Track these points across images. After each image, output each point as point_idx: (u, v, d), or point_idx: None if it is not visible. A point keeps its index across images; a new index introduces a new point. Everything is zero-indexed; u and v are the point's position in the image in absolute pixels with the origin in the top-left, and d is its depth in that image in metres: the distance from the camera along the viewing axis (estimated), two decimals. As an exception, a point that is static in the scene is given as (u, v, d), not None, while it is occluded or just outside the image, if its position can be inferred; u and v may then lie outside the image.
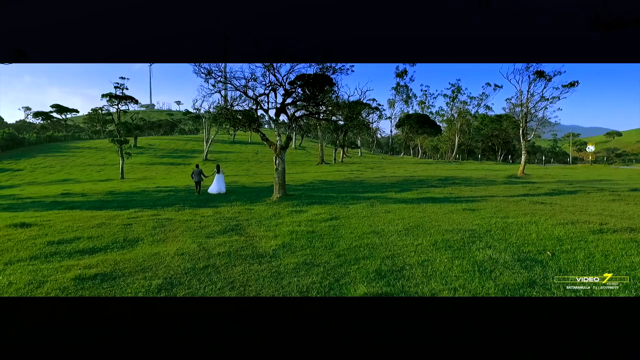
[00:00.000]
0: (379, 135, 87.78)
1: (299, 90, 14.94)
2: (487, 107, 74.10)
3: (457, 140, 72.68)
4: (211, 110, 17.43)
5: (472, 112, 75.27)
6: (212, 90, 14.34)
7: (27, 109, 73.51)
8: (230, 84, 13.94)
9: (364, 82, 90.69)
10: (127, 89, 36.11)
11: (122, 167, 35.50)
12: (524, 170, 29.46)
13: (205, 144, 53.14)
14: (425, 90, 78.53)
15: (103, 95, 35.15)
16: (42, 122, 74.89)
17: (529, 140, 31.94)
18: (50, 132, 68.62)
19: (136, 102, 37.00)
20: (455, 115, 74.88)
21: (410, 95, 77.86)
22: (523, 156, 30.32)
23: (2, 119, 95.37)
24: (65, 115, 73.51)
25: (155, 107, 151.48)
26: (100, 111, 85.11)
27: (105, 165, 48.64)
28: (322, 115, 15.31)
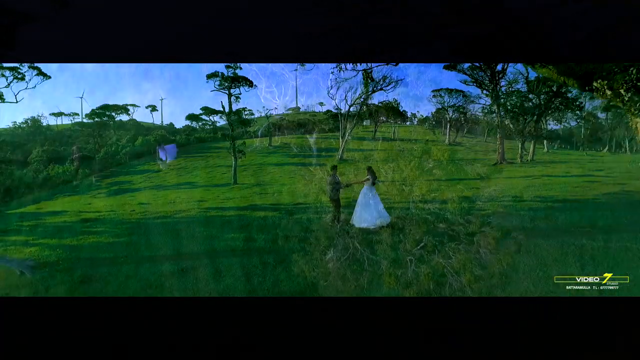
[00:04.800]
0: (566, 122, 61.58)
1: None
2: None
3: None
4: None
5: None
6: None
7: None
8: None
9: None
10: (240, 68, 28.15)
11: (235, 170, 27.92)
12: None
13: (340, 140, 42.44)
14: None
15: (208, 77, 28.36)
16: (192, 124, 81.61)
17: None
18: (199, 134, 72.67)
19: (251, 84, 29.03)
20: None
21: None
22: None
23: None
24: (213, 117, 78.07)
25: (300, 110, 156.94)
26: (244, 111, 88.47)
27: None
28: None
